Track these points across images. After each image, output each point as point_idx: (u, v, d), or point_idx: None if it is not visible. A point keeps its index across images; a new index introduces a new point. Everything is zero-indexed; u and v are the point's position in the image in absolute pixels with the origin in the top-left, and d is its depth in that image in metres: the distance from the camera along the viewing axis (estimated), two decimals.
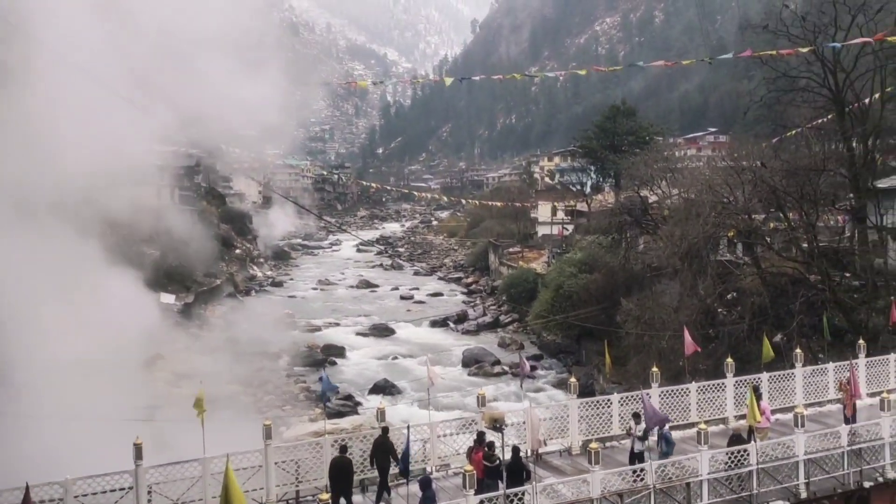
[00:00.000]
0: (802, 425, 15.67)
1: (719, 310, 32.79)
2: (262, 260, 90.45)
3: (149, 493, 14.48)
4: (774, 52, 32.81)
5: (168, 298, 47.45)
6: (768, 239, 32.85)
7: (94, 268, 27.55)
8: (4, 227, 23.39)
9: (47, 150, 25.90)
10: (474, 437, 16.04)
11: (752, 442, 15.79)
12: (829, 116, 36.52)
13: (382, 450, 15.50)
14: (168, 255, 52.65)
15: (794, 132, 39.76)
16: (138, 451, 14.18)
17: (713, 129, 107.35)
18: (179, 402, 26.58)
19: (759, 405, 16.34)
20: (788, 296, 29.42)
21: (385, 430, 15.80)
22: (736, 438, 15.88)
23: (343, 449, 15.43)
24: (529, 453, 16.30)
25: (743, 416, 18.67)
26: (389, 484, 15.78)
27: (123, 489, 14.42)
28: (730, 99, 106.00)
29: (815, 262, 29.74)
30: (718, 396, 19.78)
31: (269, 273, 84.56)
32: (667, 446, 15.91)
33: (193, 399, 14.68)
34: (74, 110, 26.61)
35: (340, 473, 15.04)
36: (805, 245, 31.19)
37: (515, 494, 13.57)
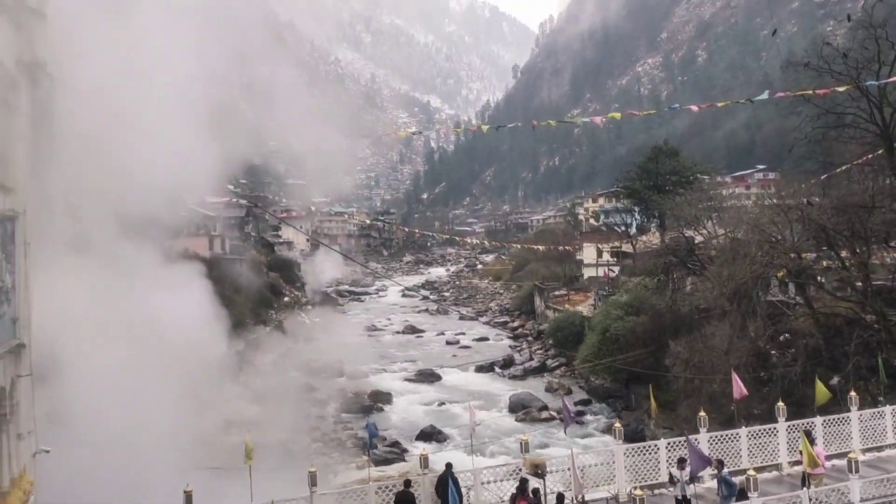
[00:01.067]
0: (857, 471, 15.20)
1: (772, 352, 31.93)
2: (310, 307, 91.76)
3: None
4: (812, 91, 32.50)
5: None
6: (820, 278, 32.08)
7: (153, 309, 28.30)
8: (66, 267, 24.07)
9: (112, 187, 26.94)
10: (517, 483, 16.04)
11: (806, 488, 15.35)
12: (879, 152, 35.82)
13: (445, 484, 15.72)
14: (219, 304, 53.95)
15: (842, 169, 39.00)
16: (188, 499, 14.56)
17: (761, 167, 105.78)
18: (228, 450, 27.06)
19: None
20: (843, 336, 28.60)
21: (449, 465, 16.03)
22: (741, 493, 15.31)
23: (407, 483, 15.96)
24: (574, 501, 16.14)
25: (797, 462, 18.15)
26: None
27: None
28: (777, 136, 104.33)
29: (869, 301, 28.93)
30: (770, 441, 19.27)
31: (316, 320, 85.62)
32: (727, 489, 15.51)
33: (242, 446, 15.09)
34: (134, 153, 27.65)
35: None
36: (859, 284, 30.38)
37: None
